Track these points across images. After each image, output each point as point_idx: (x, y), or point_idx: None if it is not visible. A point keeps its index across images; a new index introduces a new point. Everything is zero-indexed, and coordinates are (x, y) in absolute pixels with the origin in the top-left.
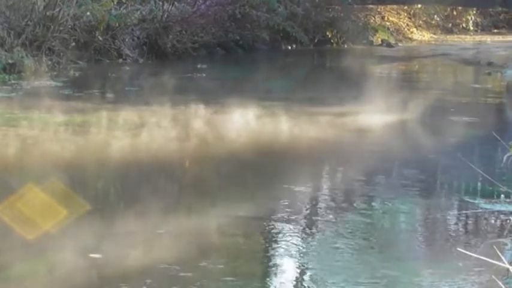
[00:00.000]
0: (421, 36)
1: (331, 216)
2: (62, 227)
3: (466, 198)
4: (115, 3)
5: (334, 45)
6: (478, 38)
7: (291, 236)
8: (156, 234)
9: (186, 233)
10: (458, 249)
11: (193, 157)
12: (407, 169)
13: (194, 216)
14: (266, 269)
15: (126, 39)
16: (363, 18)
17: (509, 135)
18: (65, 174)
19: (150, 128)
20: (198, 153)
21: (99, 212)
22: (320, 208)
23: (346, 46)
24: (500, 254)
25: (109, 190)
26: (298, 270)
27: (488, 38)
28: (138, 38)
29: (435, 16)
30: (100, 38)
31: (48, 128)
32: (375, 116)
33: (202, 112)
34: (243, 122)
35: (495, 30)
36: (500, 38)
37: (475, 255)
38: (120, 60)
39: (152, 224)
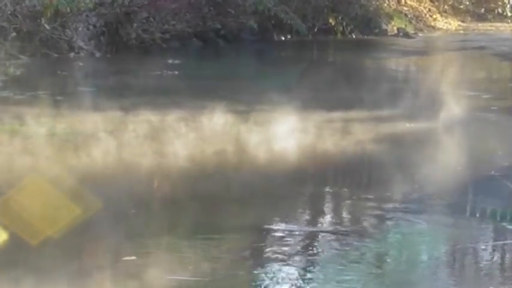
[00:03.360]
0: (446, 24)
1: (344, 242)
2: None
3: (503, 226)
4: None
5: (339, 35)
6: None
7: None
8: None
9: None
10: None
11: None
12: (437, 187)
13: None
14: None
15: (80, 28)
16: (374, 2)
17: None
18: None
19: (106, 139)
20: (191, 171)
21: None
22: (329, 234)
23: (353, 36)
24: None
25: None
26: None
27: None
28: (95, 26)
29: None
30: (47, 27)
31: None
32: (396, 123)
33: (174, 119)
34: (228, 132)
35: None
36: None
37: None
38: (72, 54)
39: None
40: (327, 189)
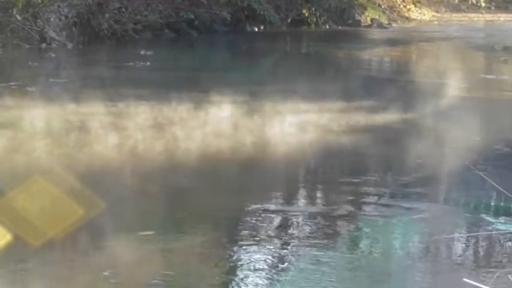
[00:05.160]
0: (420, 14)
1: (323, 228)
2: None
3: (477, 217)
4: None
5: (312, 26)
6: (490, 16)
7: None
8: None
9: None
10: (466, 279)
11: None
12: (409, 179)
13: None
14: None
15: (51, 19)
16: None
17: None
18: None
19: (75, 132)
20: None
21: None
22: (302, 225)
23: (327, 27)
24: None
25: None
26: None
27: (501, 17)
28: (66, 17)
29: None
30: (18, 18)
31: None
32: (362, 115)
33: (146, 112)
34: (201, 122)
35: None
36: None
37: None
38: (44, 45)
39: None
40: (305, 176)
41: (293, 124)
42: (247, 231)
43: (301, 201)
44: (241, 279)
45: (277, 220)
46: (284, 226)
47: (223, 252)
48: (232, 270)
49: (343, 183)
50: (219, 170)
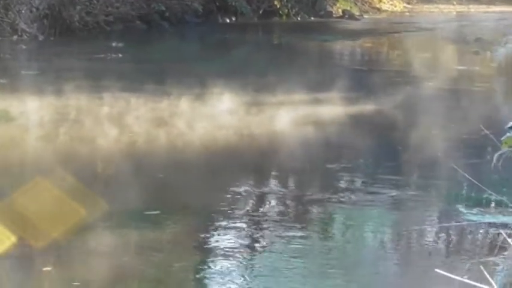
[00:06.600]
0: (391, 6)
1: (295, 225)
2: None
3: (449, 208)
4: None
5: (284, 17)
6: (461, 8)
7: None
8: None
9: None
10: (437, 270)
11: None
12: (381, 171)
13: None
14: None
15: (23, 11)
16: None
17: (500, 129)
18: None
19: (47, 124)
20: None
21: None
22: (269, 219)
23: (299, 18)
24: (489, 276)
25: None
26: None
27: (472, 8)
28: (38, 9)
29: None
30: None
31: None
32: (335, 106)
33: (116, 104)
34: (174, 113)
35: None
36: (486, 8)
37: (459, 278)
38: (15, 37)
39: None
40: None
41: (262, 115)
42: (231, 217)
43: (274, 187)
44: (215, 261)
45: (251, 203)
46: (258, 209)
47: (199, 237)
48: (208, 253)
49: (316, 172)
50: (191, 158)
